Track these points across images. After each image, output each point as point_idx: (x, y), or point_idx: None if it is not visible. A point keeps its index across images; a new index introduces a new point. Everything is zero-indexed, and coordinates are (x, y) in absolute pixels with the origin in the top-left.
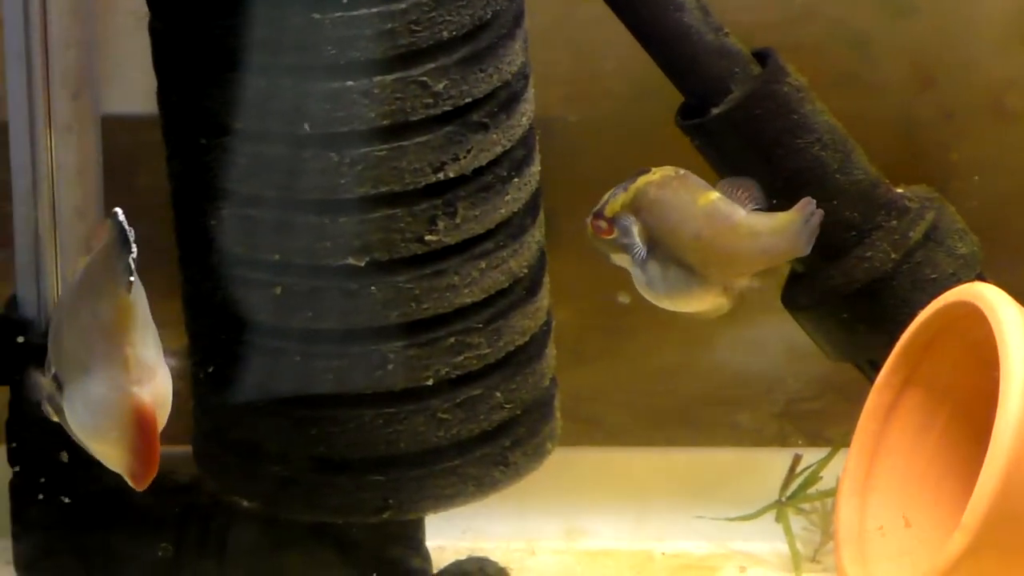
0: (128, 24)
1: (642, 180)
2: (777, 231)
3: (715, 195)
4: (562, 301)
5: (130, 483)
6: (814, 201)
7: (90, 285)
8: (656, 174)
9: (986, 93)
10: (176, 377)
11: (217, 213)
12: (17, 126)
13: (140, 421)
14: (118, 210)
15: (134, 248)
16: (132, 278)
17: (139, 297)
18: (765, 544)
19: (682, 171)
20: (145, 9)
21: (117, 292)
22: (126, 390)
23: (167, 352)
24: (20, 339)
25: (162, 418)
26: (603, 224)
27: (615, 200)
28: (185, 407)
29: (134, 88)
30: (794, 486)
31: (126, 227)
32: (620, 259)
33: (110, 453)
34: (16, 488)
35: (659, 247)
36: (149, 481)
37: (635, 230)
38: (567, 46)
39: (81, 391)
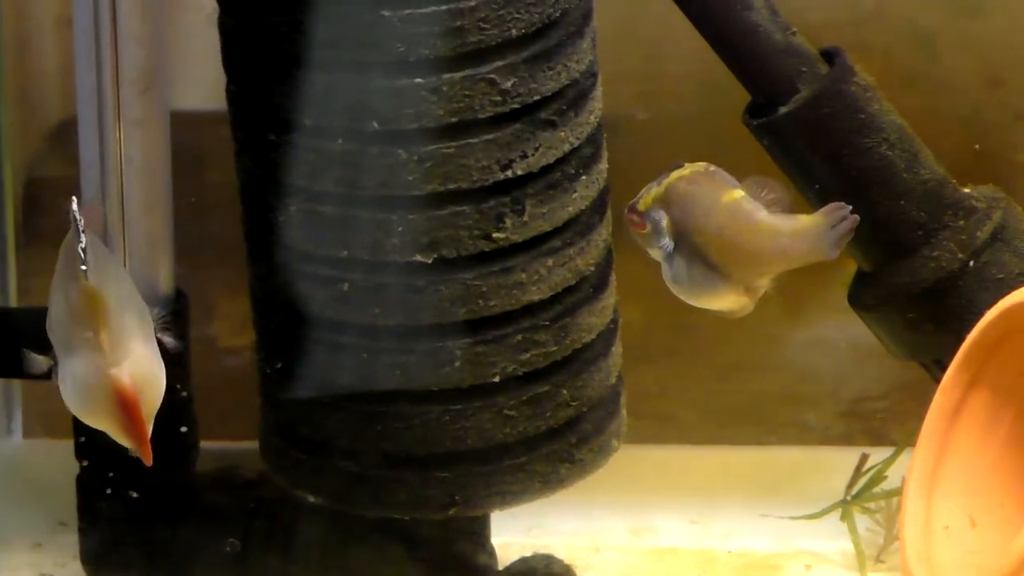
0: (196, 21)
1: (675, 175)
2: (798, 233)
3: (739, 193)
4: (629, 298)
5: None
6: (846, 207)
7: (63, 269)
8: (687, 169)
9: None
10: (243, 373)
11: (285, 209)
12: (86, 122)
13: (121, 402)
14: (73, 199)
15: (83, 238)
16: (83, 267)
17: (109, 280)
18: (830, 543)
19: (712, 167)
20: (214, 6)
21: (78, 279)
22: (104, 372)
23: (234, 351)
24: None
25: (150, 396)
26: (636, 218)
27: (648, 194)
28: (251, 403)
29: (202, 84)
30: (860, 485)
31: (77, 217)
32: (654, 253)
33: (104, 429)
34: (84, 482)
35: (685, 242)
36: (149, 455)
37: (664, 224)
38: (636, 44)
39: (68, 370)
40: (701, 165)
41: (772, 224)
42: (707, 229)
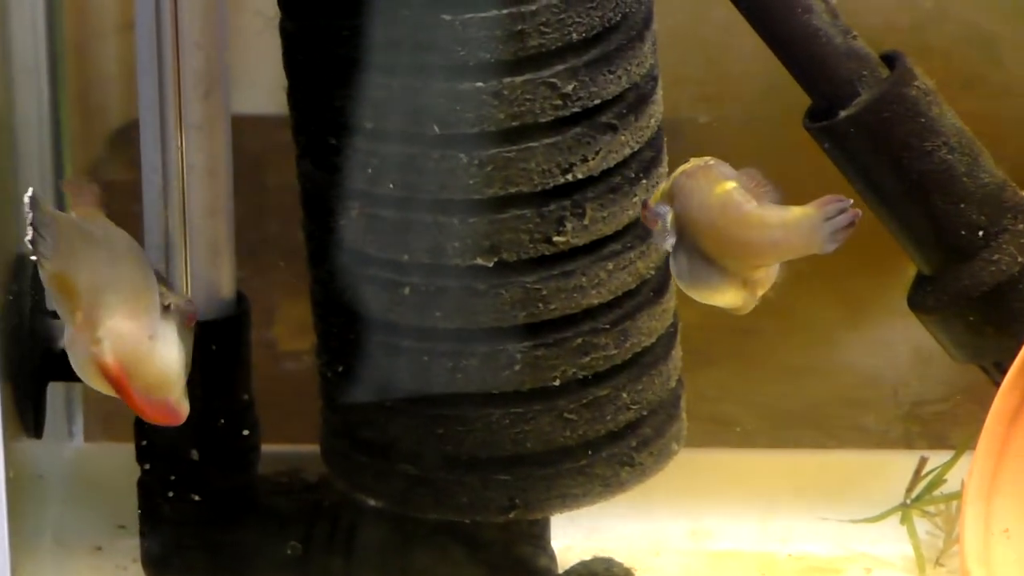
0: (257, 24)
1: (679, 169)
2: (788, 224)
3: (731, 184)
4: (688, 301)
5: None
6: (845, 201)
7: None
8: (689, 163)
9: None
10: (304, 376)
11: (346, 213)
12: (148, 126)
13: (107, 377)
14: (30, 189)
15: (29, 231)
16: (38, 255)
17: (81, 259)
18: (890, 546)
19: (712, 160)
20: (274, 10)
21: (40, 264)
22: (87, 348)
23: (294, 355)
24: None
25: (143, 370)
26: (647, 214)
27: (657, 190)
28: (311, 406)
29: (263, 88)
30: (919, 489)
31: (26, 210)
32: (664, 248)
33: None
34: (145, 486)
35: (685, 236)
36: (162, 423)
37: (668, 219)
38: (696, 48)
39: (67, 343)
40: (703, 159)
41: (762, 215)
42: (702, 222)
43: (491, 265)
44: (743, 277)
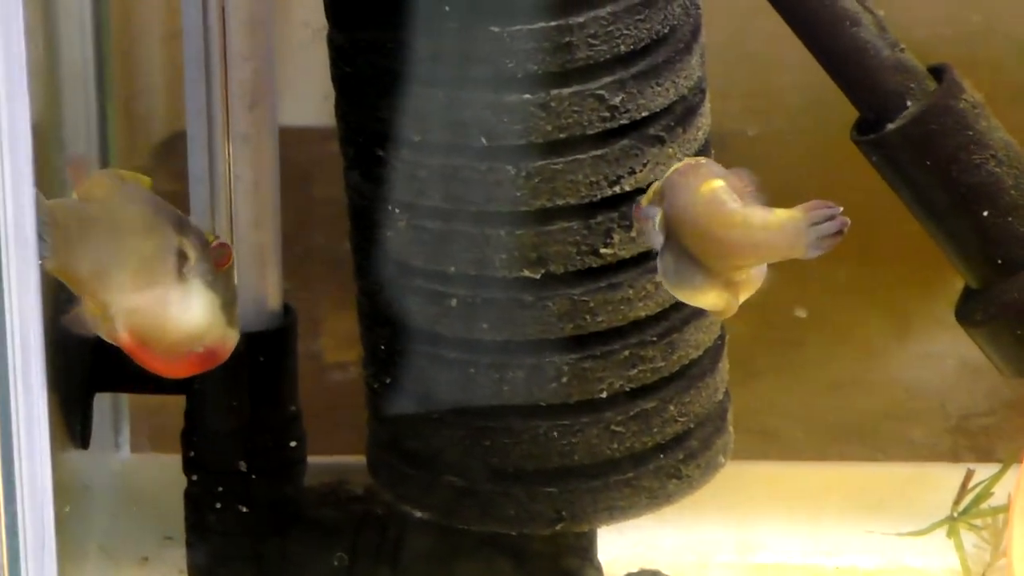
0: (303, 36)
1: (672, 168)
2: (771, 226)
3: (718, 183)
4: (735, 314)
5: None
6: (834, 208)
7: None
8: (681, 163)
9: None
10: (350, 387)
11: (394, 225)
12: (195, 137)
13: (127, 351)
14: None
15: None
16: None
17: (81, 252)
18: (937, 560)
19: (703, 160)
20: (321, 22)
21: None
22: (108, 332)
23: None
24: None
25: (168, 335)
26: (637, 212)
27: (650, 189)
28: (358, 417)
29: (309, 99)
30: (966, 502)
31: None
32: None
33: None
34: (192, 497)
35: (672, 234)
36: (202, 371)
37: (658, 219)
38: (744, 60)
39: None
40: (695, 159)
41: (745, 216)
42: (687, 220)
43: (538, 277)
44: (725, 278)
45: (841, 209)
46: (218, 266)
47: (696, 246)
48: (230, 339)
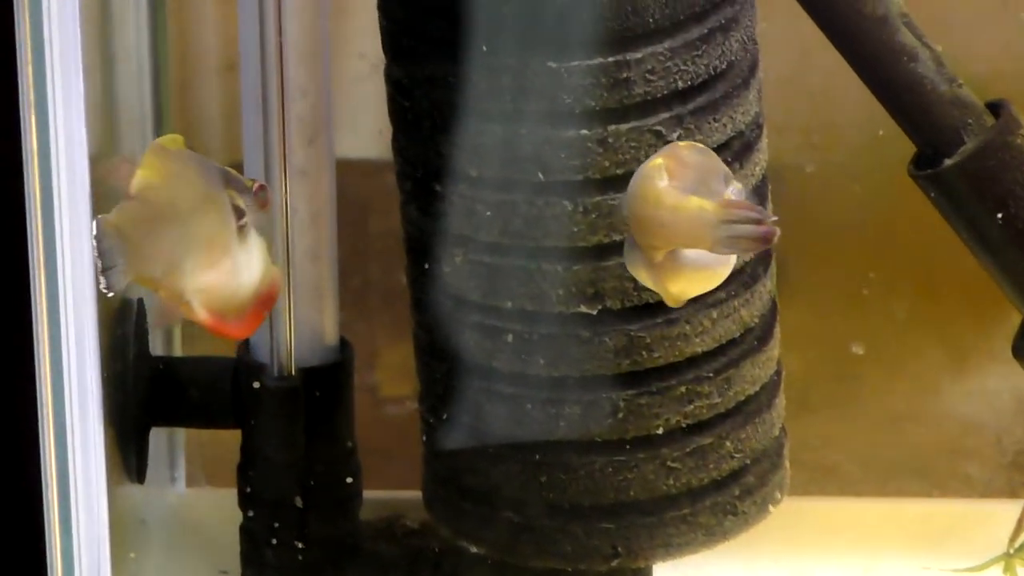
0: (359, 68)
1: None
2: (680, 210)
3: (657, 161)
4: (790, 348)
5: None
6: (762, 213)
7: None
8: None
9: None
10: (406, 421)
11: (451, 260)
12: (252, 171)
13: (208, 329)
14: (98, 220)
15: (105, 276)
16: (101, 287)
17: (149, 256)
18: None
19: (687, 143)
20: (377, 55)
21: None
22: (178, 312)
23: (396, 399)
24: (256, 385)
25: (238, 300)
26: None
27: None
28: (413, 452)
29: (365, 132)
30: (1022, 538)
31: (93, 240)
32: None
33: None
34: (248, 532)
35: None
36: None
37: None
38: (802, 95)
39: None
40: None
41: (660, 194)
42: (629, 194)
43: (595, 313)
44: (649, 257)
45: (771, 218)
46: (261, 207)
47: (630, 222)
48: (278, 278)
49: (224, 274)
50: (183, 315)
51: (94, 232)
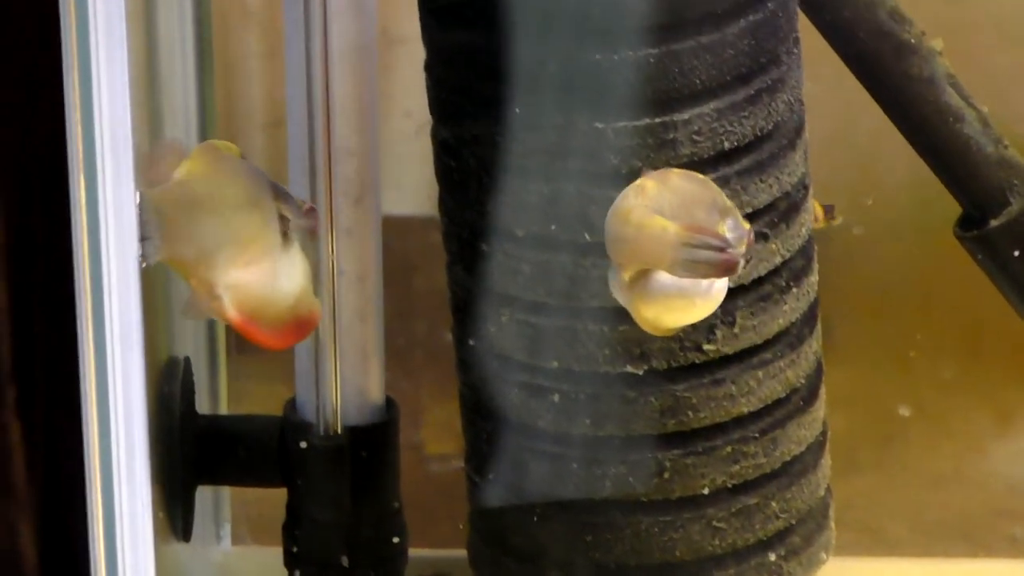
0: (406, 127)
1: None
2: (644, 228)
3: (642, 180)
4: (835, 408)
5: None
6: (726, 243)
7: None
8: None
9: None
10: (451, 479)
11: (497, 319)
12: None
13: (235, 329)
14: (140, 194)
15: (141, 246)
16: (144, 264)
17: (186, 239)
18: None
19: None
20: (424, 114)
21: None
22: (208, 306)
23: (441, 457)
24: (302, 445)
25: (272, 310)
26: None
27: None
28: (459, 510)
29: (409, 189)
30: None
31: (138, 200)
32: None
33: None
34: None
35: None
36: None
37: None
38: (848, 156)
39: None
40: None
41: (629, 211)
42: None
43: (641, 373)
44: (620, 278)
45: (733, 249)
46: (308, 229)
47: (605, 239)
48: (318, 307)
49: (261, 275)
50: (213, 311)
51: (137, 202)
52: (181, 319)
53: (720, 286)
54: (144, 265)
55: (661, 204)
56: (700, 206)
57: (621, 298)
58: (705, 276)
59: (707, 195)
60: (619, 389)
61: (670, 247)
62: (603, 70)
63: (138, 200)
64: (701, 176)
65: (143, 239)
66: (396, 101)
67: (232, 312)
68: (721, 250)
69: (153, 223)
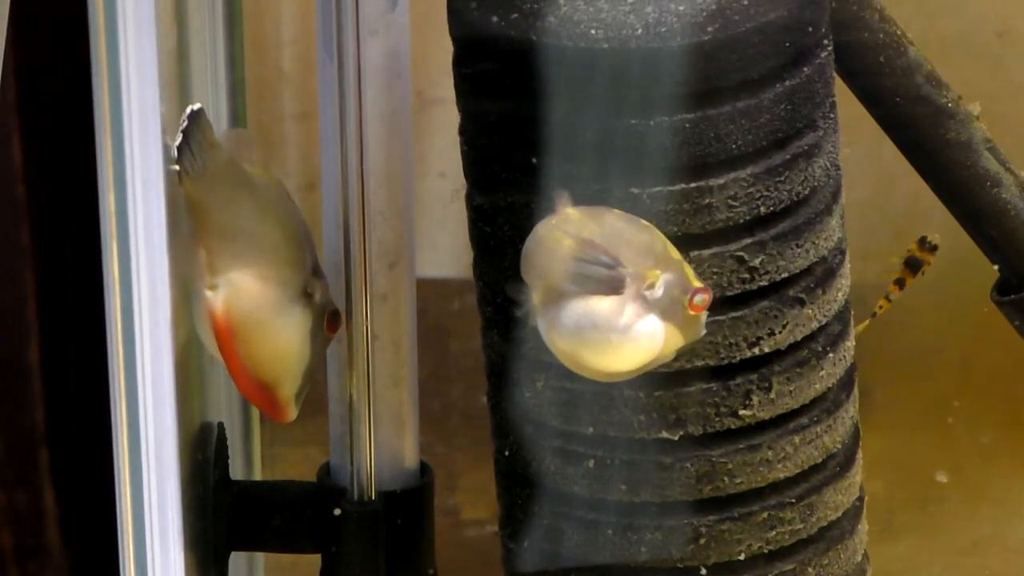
0: (441, 189)
1: None
2: (543, 242)
3: (572, 208)
4: (871, 473)
5: None
6: (611, 260)
7: None
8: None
9: None
10: (486, 544)
11: (532, 385)
12: (334, 297)
13: (213, 329)
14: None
15: (179, 137)
16: (175, 166)
17: (224, 199)
18: None
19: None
20: (458, 175)
21: (179, 181)
22: (201, 291)
23: (476, 522)
24: (337, 511)
25: (253, 347)
26: None
27: None
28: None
29: (443, 251)
30: None
31: (184, 120)
32: None
33: None
34: None
35: None
36: (262, 410)
37: None
38: (885, 220)
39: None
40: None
41: (543, 226)
42: None
43: (676, 439)
44: (533, 296)
45: (621, 270)
46: (329, 330)
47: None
48: (292, 411)
49: (266, 298)
50: (206, 298)
51: (190, 111)
52: (214, 385)
53: (644, 328)
54: (174, 169)
55: (581, 233)
56: (628, 246)
57: (539, 328)
58: (592, 292)
59: (643, 240)
60: (654, 455)
61: (562, 259)
62: (638, 135)
63: (195, 111)
64: (646, 223)
65: (191, 148)
66: (430, 162)
67: (220, 308)
68: (610, 268)
69: (204, 150)
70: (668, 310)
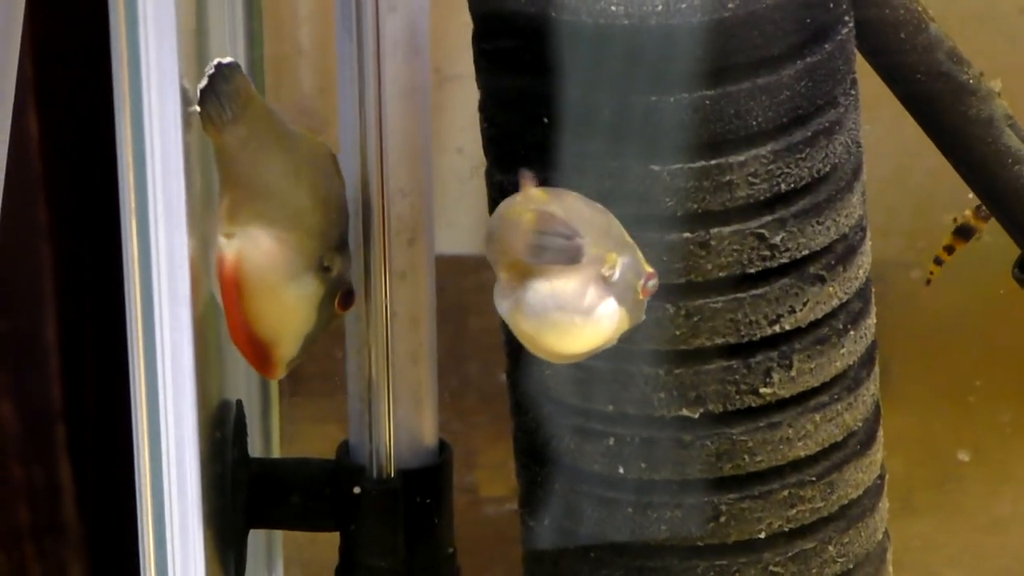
0: (459, 164)
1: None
2: (503, 217)
3: (535, 188)
4: (892, 451)
5: None
6: (570, 231)
7: None
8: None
9: None
10: (505, 522)
11: (552, 363)
12: (353, 274)
13: (219, 276)
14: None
15: (204, 80)
16: (194, 108)
17: (255, 147)
18: None
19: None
20: (477, 151)
21: (203, 121)
22: (217, 237)
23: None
24: (356, 489)
25: (255, 298)
26: None
27: None
28: (512, 553)
29: (463, 228)
30: None
31: (210, 68)
32: None
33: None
34: None
35: None
36: (251, 363)
37: None
38: (906, 198)
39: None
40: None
41: (507, 201)
42: None
43: (697, 416)
44: (499, 276)
45: (579, 238)
46: (340, 306)
47: None
48: (281, 371)
49: (281, 259)
50: (218, 245)
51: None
52: (233, 363)
53: (605, 311)
54: (190, 112)
55: (535, 201)
56: (589, 227)
57: (501, 309)
58: (551, 262)
59: (602, 222)
60: (674, 433)
61: (523, 233)
62: (658, 112)
63: (227, 64)
64: (603, 208)
65: (218, 97)
66: (448, 138)
67: (231, 258)
68: (568, 238)
69: (234, 100)
70: (622, 294)
